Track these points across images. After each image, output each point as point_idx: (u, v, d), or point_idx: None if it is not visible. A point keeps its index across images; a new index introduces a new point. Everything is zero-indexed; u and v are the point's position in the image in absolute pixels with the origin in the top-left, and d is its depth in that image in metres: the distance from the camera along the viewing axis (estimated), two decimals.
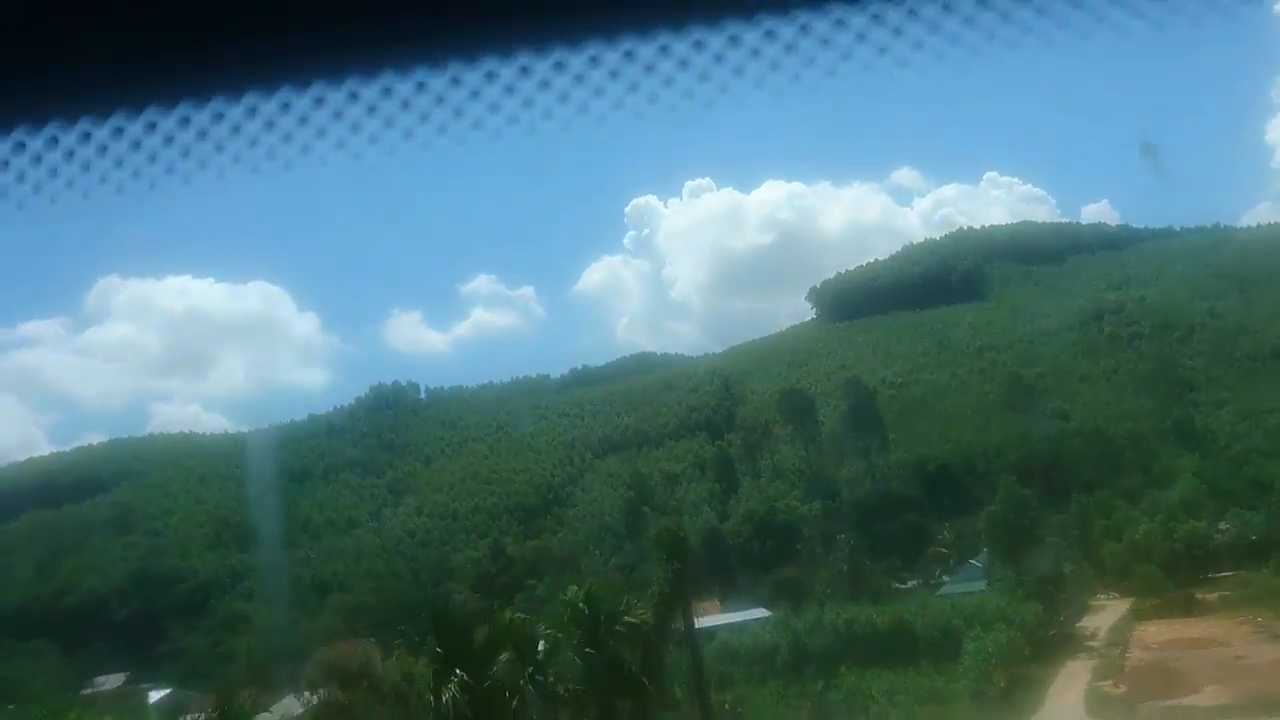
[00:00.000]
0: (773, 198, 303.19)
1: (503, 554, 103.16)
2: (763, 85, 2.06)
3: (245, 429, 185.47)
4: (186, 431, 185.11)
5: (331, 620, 75.70)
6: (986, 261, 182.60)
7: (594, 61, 1.93)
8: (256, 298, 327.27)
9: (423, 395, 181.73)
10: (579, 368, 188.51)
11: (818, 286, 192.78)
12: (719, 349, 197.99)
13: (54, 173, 1.78)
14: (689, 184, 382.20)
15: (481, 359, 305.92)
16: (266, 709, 59.31)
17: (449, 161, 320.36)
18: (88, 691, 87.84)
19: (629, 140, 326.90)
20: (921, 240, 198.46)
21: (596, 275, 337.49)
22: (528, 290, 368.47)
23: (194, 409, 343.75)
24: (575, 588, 33.84)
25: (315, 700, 60.68)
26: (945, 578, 73.81)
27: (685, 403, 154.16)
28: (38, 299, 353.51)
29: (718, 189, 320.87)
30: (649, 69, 1.95)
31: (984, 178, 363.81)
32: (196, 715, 59.02)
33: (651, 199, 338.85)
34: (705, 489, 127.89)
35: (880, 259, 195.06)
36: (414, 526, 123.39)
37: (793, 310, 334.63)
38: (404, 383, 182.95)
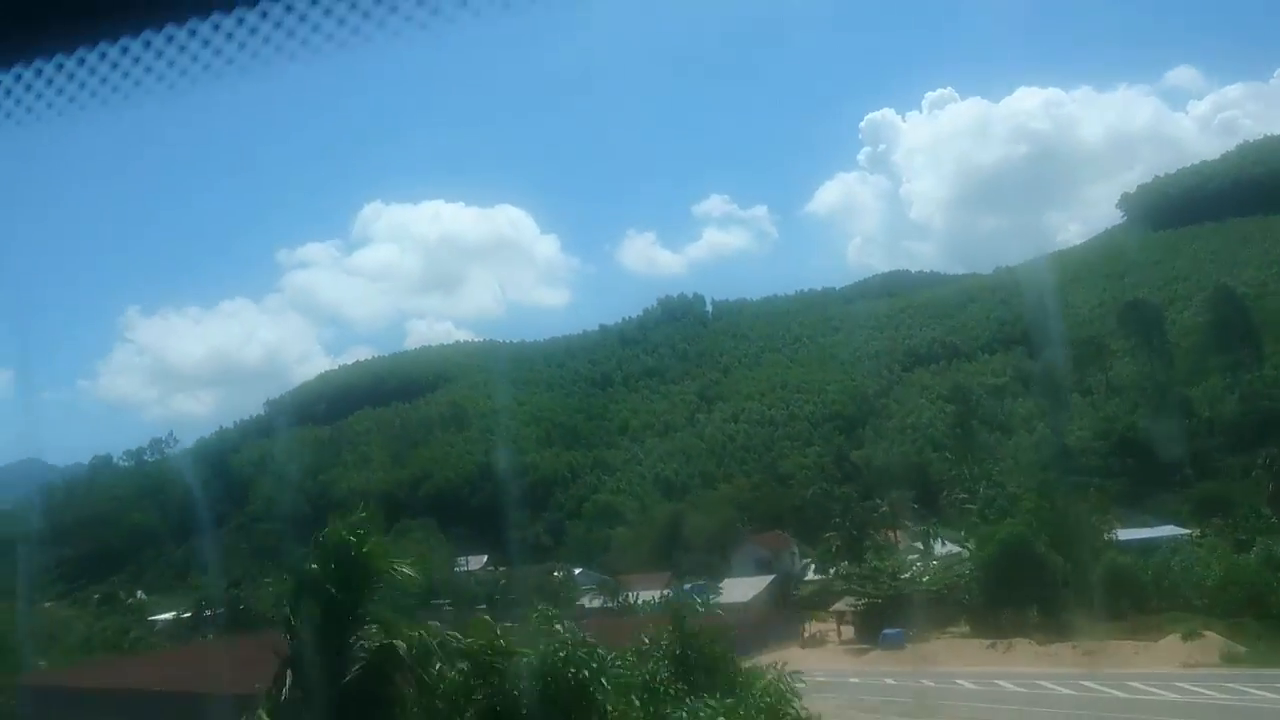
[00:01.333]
0: (1025, 107, 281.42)
1: (847, 460, 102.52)
2: None
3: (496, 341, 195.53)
4: (483, 340, 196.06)
5: (719, 514, 77.70)
6: None
7: None
8: (502, 221, 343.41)
9: (709, 308, 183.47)
10: (862, 280, 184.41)
11: (1131, 192, 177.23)
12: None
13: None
14: (929, 95, 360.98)
15: (716, 278, 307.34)
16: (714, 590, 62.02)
17: (680, 82, 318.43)
18: (461, 570, 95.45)
19: (863, 52, 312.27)
20: (1260, 138, 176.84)
21: (831, 194, 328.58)
22: (760, 210, 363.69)
23: (446, 326, 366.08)
24: None
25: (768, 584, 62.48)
26: None
27: (994, 315, 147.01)
28: (316, 222, 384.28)
29: (962, 99, 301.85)
30: None
31: (1276, 74, 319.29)
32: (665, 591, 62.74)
33: (888, 113, 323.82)
34: (1031, 404, 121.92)
35: (1209, 159, 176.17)
36: (732, 432, 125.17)
37: (1040, 226, 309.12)
38: (689, 295, 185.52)
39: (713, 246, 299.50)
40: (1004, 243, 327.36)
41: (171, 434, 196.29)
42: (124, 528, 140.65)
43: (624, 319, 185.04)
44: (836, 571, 57.86)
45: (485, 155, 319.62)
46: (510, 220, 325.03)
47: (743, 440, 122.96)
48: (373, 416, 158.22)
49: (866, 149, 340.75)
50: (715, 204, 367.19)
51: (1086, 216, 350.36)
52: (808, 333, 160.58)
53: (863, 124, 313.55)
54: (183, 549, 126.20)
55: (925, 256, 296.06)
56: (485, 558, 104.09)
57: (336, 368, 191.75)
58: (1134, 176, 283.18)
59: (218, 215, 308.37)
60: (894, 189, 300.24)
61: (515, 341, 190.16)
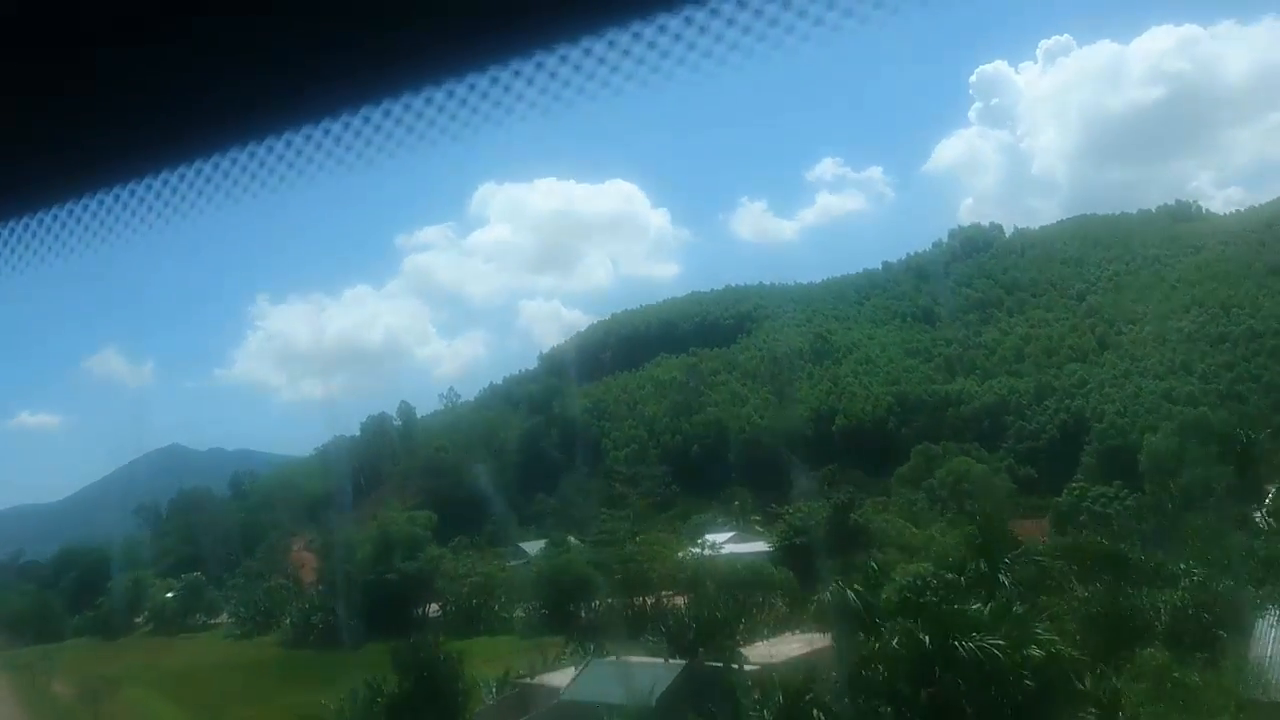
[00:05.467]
0: (1159, 47, 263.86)
1: None
2: None
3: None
4: (760, 283, 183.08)
5: None
6: None
7: None
8: (614, 196, 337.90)
9: (1008, 234, 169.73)
10: (1179, 202, 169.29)
11: None
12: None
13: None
14: (1044, 44, 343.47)
15: (830, 244, 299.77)
16: None
17: (786, 48, 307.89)
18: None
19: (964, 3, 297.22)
20: None
21: (948, 152, 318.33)
22: (875, 171, 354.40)
23: (554, 304, 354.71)
24: None
25: None
26: None
27: None
28: (432, 206, 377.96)
29: (1081, 45, 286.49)
30: None
31: None
32: None
33: (1000, 65, 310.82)
34: None
35: None
36: (1177, 351, 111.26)
37: (1174, 174, 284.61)
38: (985, 224, 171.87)
39: (825, 211, 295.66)
40: (1136, 193, 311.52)
41: (452, 389, 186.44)
42: (460, 476, 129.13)
43: (909, 254, 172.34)
44: None
45: (596, 132, 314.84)
46: (622, 195, 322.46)
47: (1206, 358, 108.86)
48: (679, 363, 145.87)
49: (978, 104, 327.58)
50: (828, 167, 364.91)
51: (1221, 164, 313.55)
52: (1162, 252, 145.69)
53: (973, 78, 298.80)
54: (549, 495, 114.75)
55: (1045, 214, 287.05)
56: None
57: (609, 318, 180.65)
58: None
59: (340, 203, 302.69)
60: (1013, 143, 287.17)
61: (794, 284, 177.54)
